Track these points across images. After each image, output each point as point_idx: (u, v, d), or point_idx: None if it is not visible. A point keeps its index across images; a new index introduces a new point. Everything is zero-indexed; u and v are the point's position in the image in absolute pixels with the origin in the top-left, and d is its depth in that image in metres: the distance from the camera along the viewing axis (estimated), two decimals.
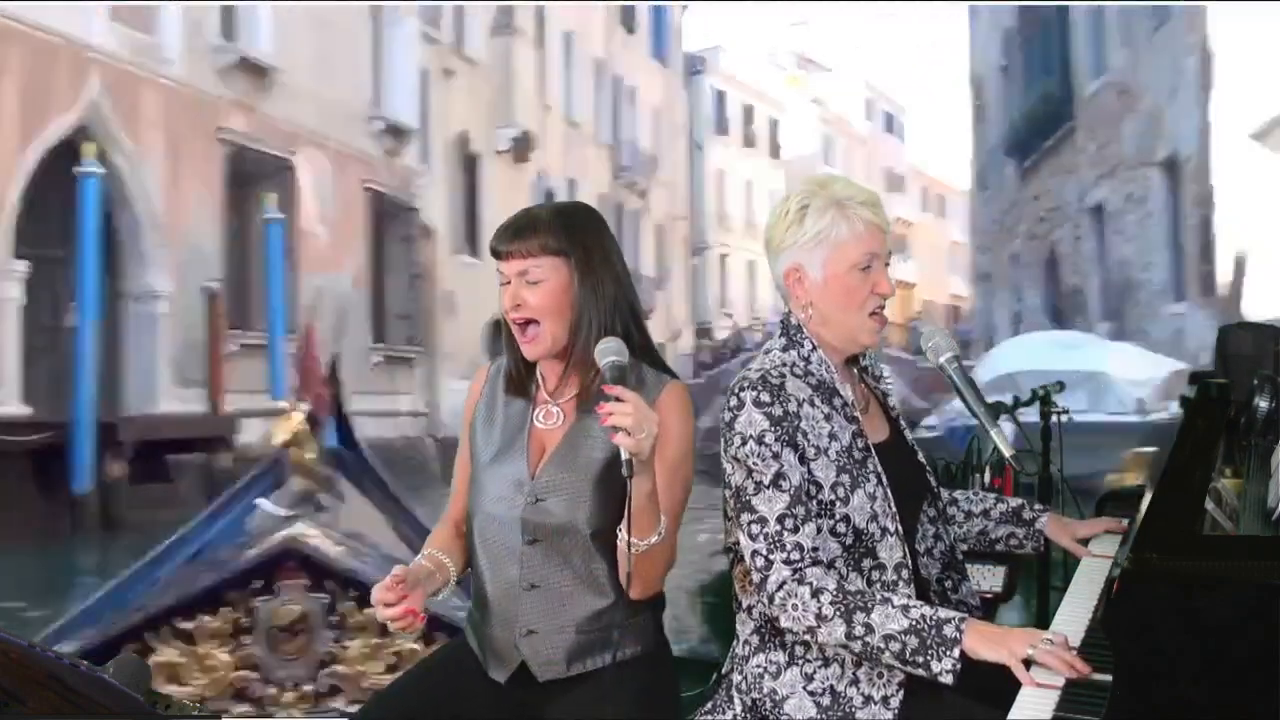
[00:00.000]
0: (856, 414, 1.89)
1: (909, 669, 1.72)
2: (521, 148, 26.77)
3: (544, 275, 1.93)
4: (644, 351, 1.99)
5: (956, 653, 1.67)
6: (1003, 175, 26.81)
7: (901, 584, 1.84)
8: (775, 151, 47.24)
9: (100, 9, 14.54)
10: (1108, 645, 1.53)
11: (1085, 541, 2.11)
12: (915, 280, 56.38)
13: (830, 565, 1.79)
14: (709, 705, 1.94)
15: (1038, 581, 2.99)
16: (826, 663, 1.82)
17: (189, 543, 4.36)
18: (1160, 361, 13.30)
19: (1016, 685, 1.58)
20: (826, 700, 1.81)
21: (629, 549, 1.81)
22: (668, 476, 1.88)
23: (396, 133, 21.60)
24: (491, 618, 1.97)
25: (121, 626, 3.56)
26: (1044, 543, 2.15)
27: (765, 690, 1.85)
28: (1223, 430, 2.26)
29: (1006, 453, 2.02)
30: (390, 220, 21.34)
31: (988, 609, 2.15)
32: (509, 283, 1.95)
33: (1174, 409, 12.48)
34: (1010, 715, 1.54)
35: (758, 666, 1.87)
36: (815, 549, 1.79)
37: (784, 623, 1.79)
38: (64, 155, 13.64)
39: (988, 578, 2.35)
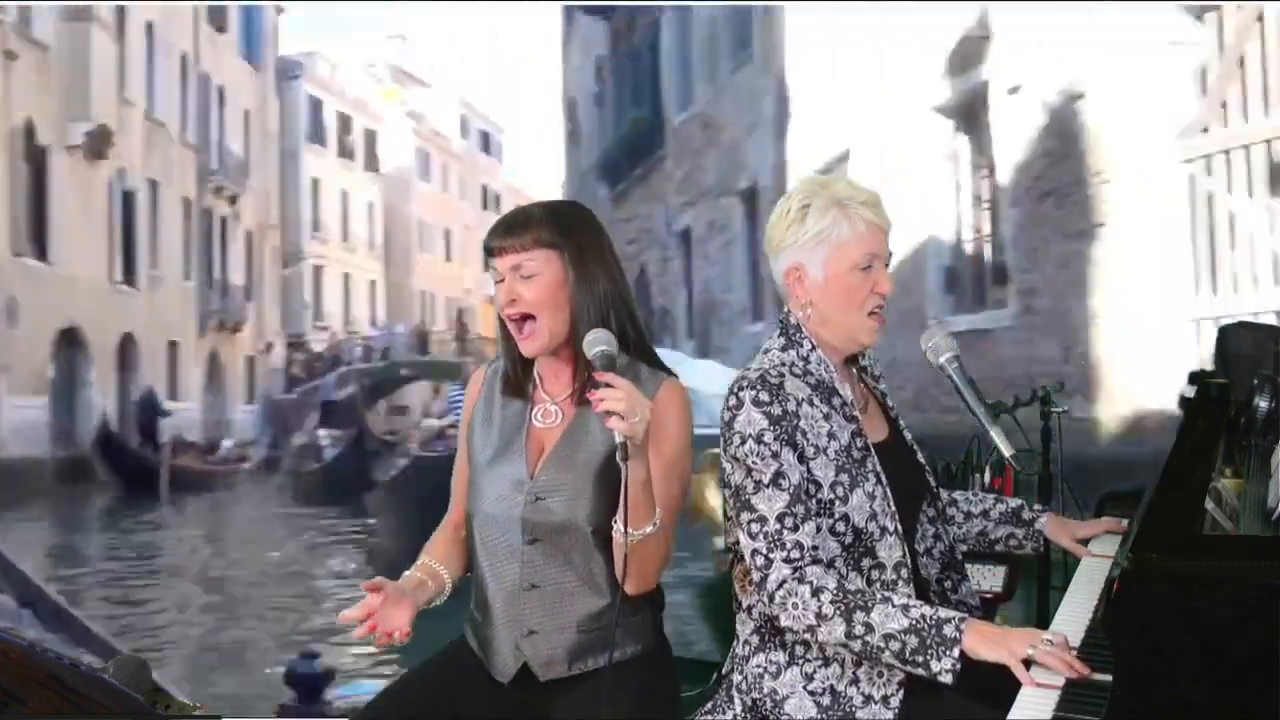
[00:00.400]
0: (855, 413, 1.88)
1: (908, 668, 1.71)
2: (97, 144, 24.73)
3: (538, 269, 1.91)
4: (639, 350, 1.96)
5: (956, 652, 1.66)
6: (596, 198, 27.88)
7: (901, 584, 1.83)
8: (372, 164, 46.55)
9: None
10: (1108, 645, 1.53)
11: (1085, 542, 2.10)
12: None
13: (830, 565, 1.78)
14: (709, 705, 1.92)
15: (1038, 581, 3.00)
16: (826, 662, 1.82)
17: None
18: None
19: (1016, 685, 1.58)
20: (826, 700, 1.81)
21: (624, 539, 1.79)
22: (665, 472, 1.86)
23: None
24: (493, 618, 1.95)
25: None
26: (1044, 543, 2.15)
27: (765, 690, 1.84)
28: (1223, 430, 2.25)
29: (1006, 452, 2.03)
30: None
31: (988, 609, 2.14)
32: (502, 280, 1.93)
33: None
34: (1010, 715, 1.53)
35: (758, 666, 1.86)
36: (815, 548, 1.78)
37: (784, 621, 1.77)
38: None
39: (988, 578, 2.34)
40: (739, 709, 1.86)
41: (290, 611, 9.14)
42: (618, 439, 1.70)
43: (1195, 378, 2.65)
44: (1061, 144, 10.62)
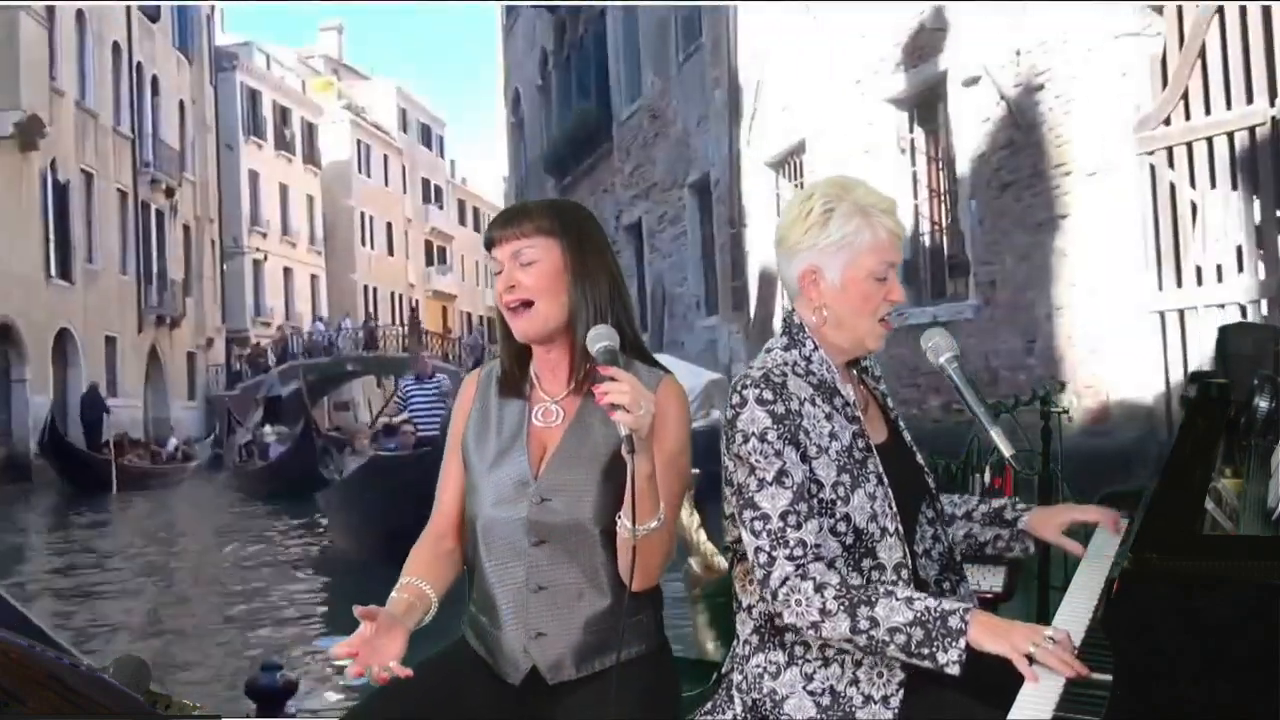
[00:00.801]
0: (858, 414, 1.89)
1: (914, 661, 1.72)
2: (28, 134, 24.10)
3: (537, 256, 1.92)
4: (635, 350, 1.96)
5: (962, 644, 1.67)
6: (543, 191, 27.63)
7: (901, 585, 1.83)
8: (312, 157, 45.95)
9: None
10: (1108, 645, 1.53)
11: (1070, 532, 2.08)
12: (455, 292, 57.01)
13: (830, 564, 1.79)
14: (709, 705, 1.93)
15: (1038, 581, 2.99)
16: (826, 663, 1.82)
17: None
18: (698, 371, 14.18)
19: (1017, 685, 1.58)
20: (826, 700, 1.81)
21: (631, 535, 1.80)
22: (666, 468, 1.87)
23: None
24: (499, 621, 1.94)
25: None
26: (1033, 544, 2.12)
27: (765, 690, 1.85)
28: (1223, 430, 2.27)
29: (1006, 452, 2.04)
30: None
31: (987, 609, 2.12)
32: (501, 270, 1.94)
33: (715, 415, 13.48)
34: (1010, 715, 1.53)
35: (757, 666, 1.87)
36: (818, 545, 1.79)
37: (787, 618, 1.78)
38: None
39: (988, 578, 2.34)
40: (739, 709, 1.86)
41: (246, 611, 8.93)
42: (623, 432, 1.71)
43: (1195, 378, 2.70)
44: (1021, 135, 10.60)
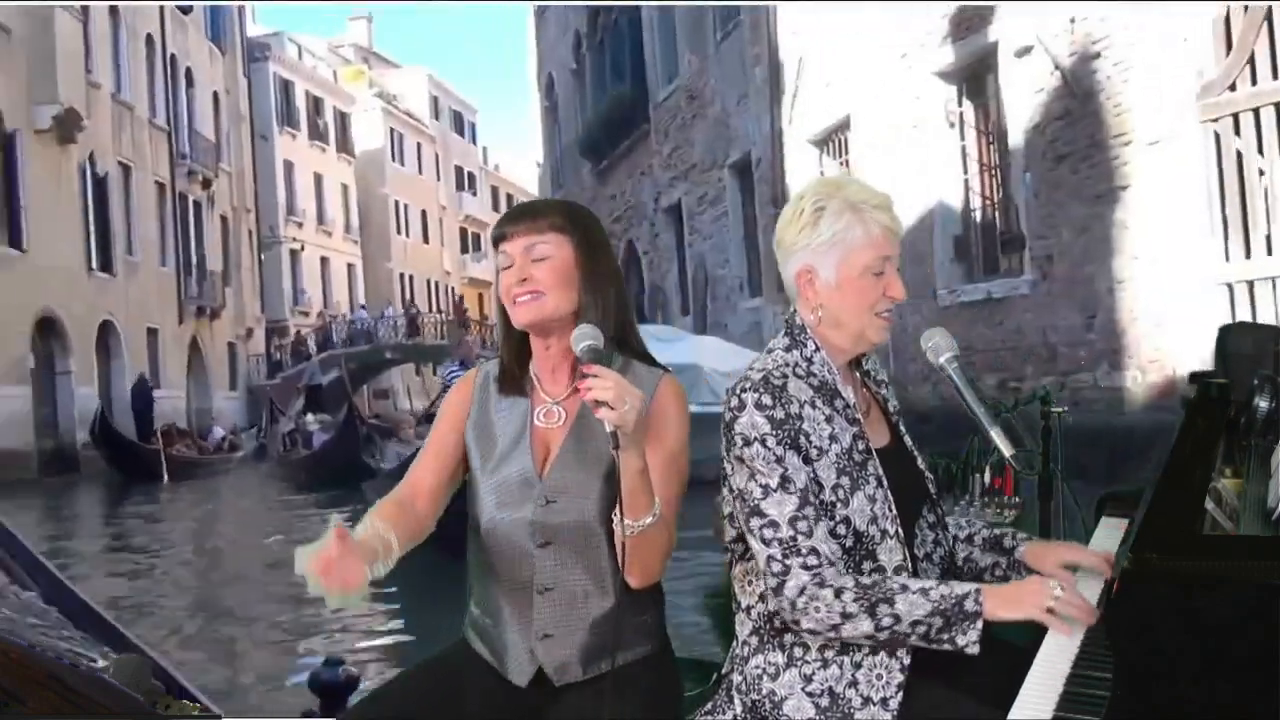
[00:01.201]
0: (858, 416, 1.89)
1: (934, 646, 1.74)
2: (66, 127, 24.18)
3: (550, 251, 1.93)
4: (634, 350, 1.98)
5: (979, 624, 1.71)
6: (579, 175, 27.50)
7: (907, 574, 1.86)
8: (345, 146, 46.00)
9: None
10: (1108, 645, 1.54)
11: (1072, 568, 2.02)
12: (490, 279, 57.00)
13: (843, 567, 1.81)
14: (709, 706, 1.92)
15: None
16: (825, 664, 1.83)
17: None
18: (742, 353, 13.97)
19: (1017, 684, 1.59)
20: (825, 701, 1.81)
21: (624, 531, 1.80)
22: (666, 466, 1.88)
23: None
24: (504, 623, 1.94)
25: None
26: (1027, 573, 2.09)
27: (764, 691, 1.85)
28: (1223, 430, 2.27)
29: (1006, 452, 2.03)
30: None
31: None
32: (510, 265, 1.94)
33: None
34: (1010, 715, 1.53)
35: (756, 667, 1.87)
36: (830, 549, 1.79)
37: (806, 625, 1.78)
38: None
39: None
40: (738, 709, 1.87)
41: (295, 602, 8.88)
42: (608, 428, 1.71)
43: (1195, 378, 2.72)
44: (1077, 105, 10.35)
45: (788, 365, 1.86)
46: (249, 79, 37.85)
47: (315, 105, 44.07)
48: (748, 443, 1.80)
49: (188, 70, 32.35)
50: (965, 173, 12.61)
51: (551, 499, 1.91)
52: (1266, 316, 8.40)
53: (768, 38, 16.15)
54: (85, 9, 25.63)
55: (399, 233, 49.31)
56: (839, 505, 1.81)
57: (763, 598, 1.87)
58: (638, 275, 23.36)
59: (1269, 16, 8.59)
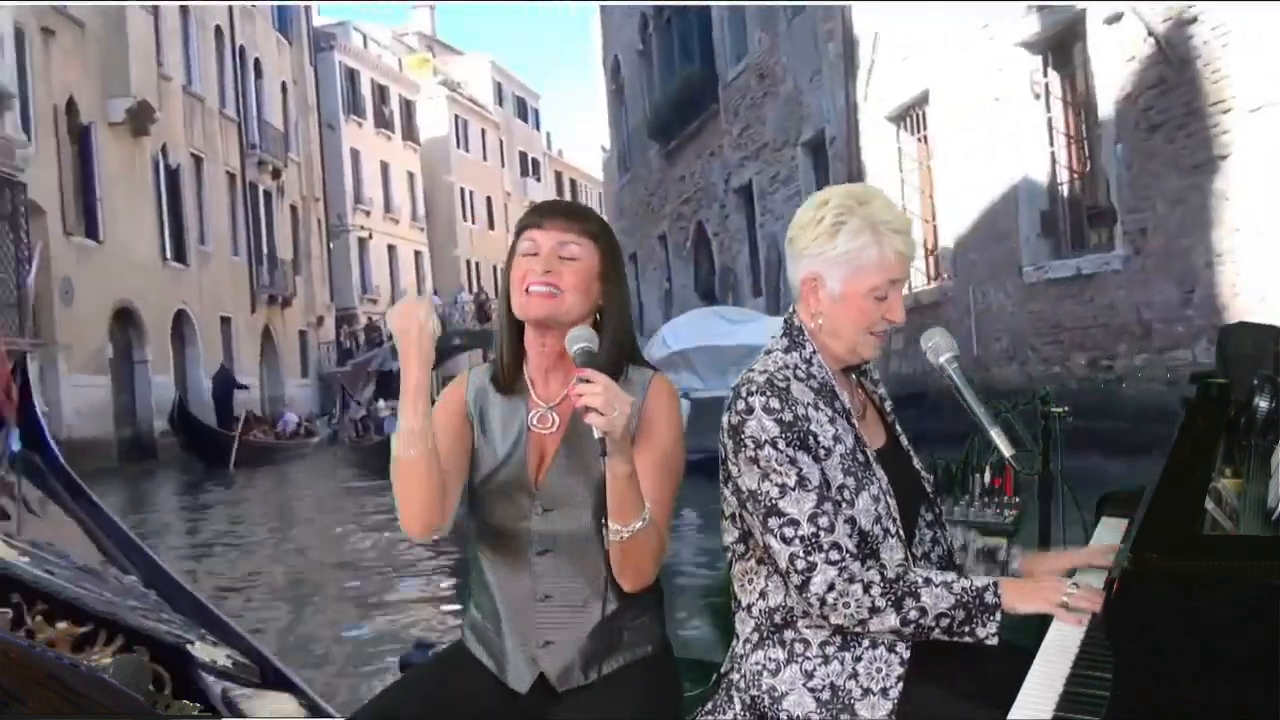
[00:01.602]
0: (855, 418, 1.91)
1: (954, 638, 1.78)
2: (139, 120, 24.46)
3: (580, 254, 1.94)
4: (629, 354, 1.99)
5: (999, 616, 1.76)
6: (646, 158, 27.31)
7: (926, 566, 1.91)
8: (411, 133, 46.20)
9: None
10: (1108, 645, 1.54)
11: (1070, 573, 2.02)
12: None
13: (864, 560, 1.82)
14: (709, 705, 1.93)
15: None
16: (826, 660, 1.84)
17: None
18: None
19: (1017, 685, 1.59)
20: (826, 695, 1.83)
21: (614, 535, 1.80)
22: (658, 466, 1.88)
23: None
24: (505, 630, 1.95)
25: None
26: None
27: (764, 687, 1.86)
28: (1223, 430, 2.28)
29: (1006, 452, 2.04)
30: None
31: None
32: (535, 254, 1.93)
33: None
34: (1010, 715, 1.53)
35: (756, 664, 1.88)
36: (851, 544, 1.81)
37: (834, 620, 1.81)
38: None
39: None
40: (738, 707, 1.88)
41: (379, 585, 8.87)
42: (596, 434, 1.71)
43: (1195, 378, 2.76)
44: (1172, 72, 9.96)
45: (788, 368, 1.88)
46: (315, 68, 38.10)
47: (381, 94, 44.29)
48: (759, 445, 1.81)
49: (256, 61, 32.62)
50: (1051, 145, 12.22)
51: (548, 507, 1.92)
52: None
53: (841, 13, 15.82)
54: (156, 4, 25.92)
55: (465, 219, 49.48)
56: (845, 505, 1.83)
57: (764, 595, 1.90)
58: (708, 256, 23.15)
59: None
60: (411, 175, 46.01)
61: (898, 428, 2.03)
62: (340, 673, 6.25)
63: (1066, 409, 2.86)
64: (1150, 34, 10.21)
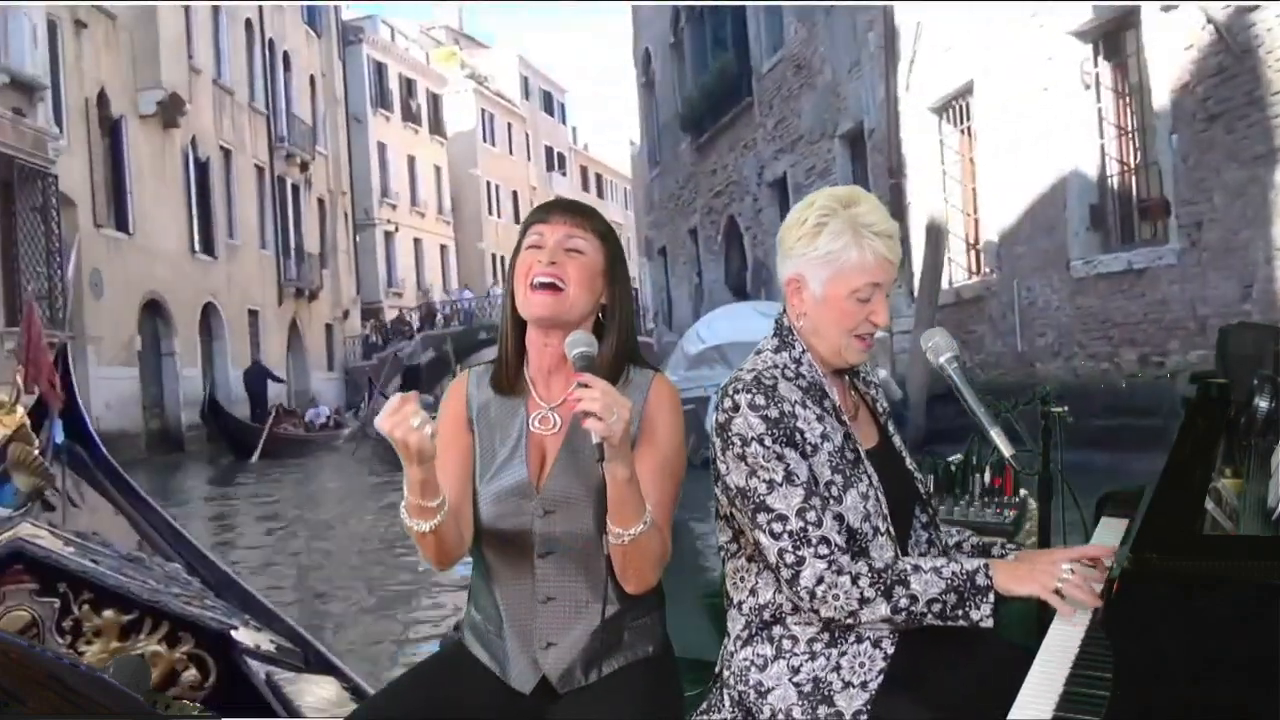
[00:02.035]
0: (846, 417, 1.92)
1: (948, 623, 1.78)
2: (170, 112, 24.45)
3: (586, 249, 1.94)
4: (631, 355, 1.99)
5: (991, 597, 1.77)
6: (676, 151, 27.08)
7: (916, 554, 1.94)
8: (437, 127, 46.11)
9: None
10: (1108, 645, 1.53)
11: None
12: None
13: (854, 553, 1.84)
14: (704, 705, 1.96)
15: None
16: (813, 656, 1.86)
17: None
18: None
19: (1016, 684, 1.57)
20: (808, 688, 1.85)
21: (615, 540, 1.80)
22: (660, 468, 1.89)
23: (23, 88, 18.98)
24: (506, 631, 1.94)
25: None
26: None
27: (751, 682, 1.88)
28: (1223, 430, 2.28)
29: (1006, 452, 2.04)
30: (21, 188, 18.72)
31: None
32: (541, 247, 1.93)
33: (882, 374, 12.86)
34: (1010, 715, 1.51)
35: (745, 660, 1.90)
36: (839, 538, 1.82)
37: (825, 614, 1.82)
38: None
39: None
40: (728, 704, 1.90)
41: (411, 579, 8.77)
42: (594, 439, 1.70)
43: (1195, 378, 2.76)
44: (1233, 61, 9.67)
45: (776, 367, 1.90)
46: (343, 62, 38.05)
47: (408, 87, 44.22)
48: (745, 442, 1.82)
49: (285, 54, 32.59)
50: (1101, 137, 11.93)
51: (550, 509, 1.90)
52: None
53: (883, 3, 15.54)
54: None
55: (491, 214, 49.38)
56: (832, 502, 1.84)
57: (754, 592, 1.91)
58: (739, 251, 22.90)
59: None
60: (438, 169, 45.93)
61: (890, 429, 2.03)
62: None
63: (1066, 409, 2.80)
64: (1209, 21, 9.92)
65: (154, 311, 24.01)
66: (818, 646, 1.86)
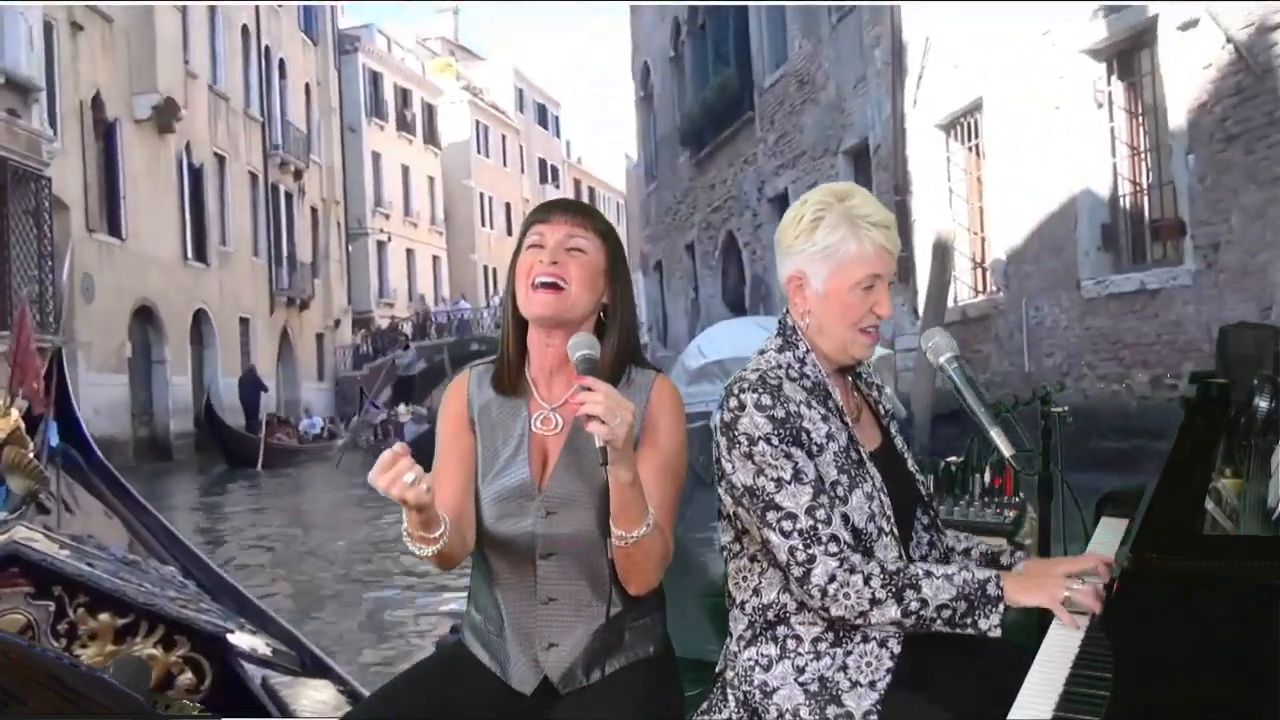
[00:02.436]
0: (849, 418, 1.93)
1: (957, 630, 1.78)
2: (164, 117, 24.21)
3: (588, 248, 1.94)
4: (633, 355, 1.98)
5: (1001, 608, 1.76)
6: (675, 165, 26.96)
7: (927, 559, 1.98)
8: (432, 138, 45.95)
9: None
10: (1108, 645, 1.53)
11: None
12: None
13: (865, 552, 1.84)
14: (705, 705, 1.95)
15: None
16: (818, 656, 1.85)
17: None
18: None
19: (1016, 685, 1.55)
20: (815, 687, 1.84)
21: (619, 543, 1.80)
22: (661, 470, 1.89)
23: (17, 89, 18.74)
24: (508, 632, 1.93)
25: None
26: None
27: (756, 682, 1.87)
28: (1223, 430, 2.28)
29: (1007, 452, 2.04)
30: (14, 190, 18.47)
31: None
32: (542, 246, 1.93)
33: (888, 391, 12.71)
34: (1010, 715, 1.50)
35: (749, 660, 1.89)
36: (848, 536, 1.82)
37: (835, 612, 1.81)
38: None
39: None
40: (732, 704, 1.89)
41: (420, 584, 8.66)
42: (598, 443, 1.70)
43: (1195, 378, 2.75)
44: (1252, 81, 9.57)
45: (780, 367, 1.89)
46: (339, 70, 37.87)
47: (403, 97, 44.06)
48: (753, 441, 1.82)
49: (281, 61, 32.41)
50: (1114, 156, 11.82)
51: (552, 510, 1.90)
52: None
53: (890, 18, 15.45)
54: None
55: (484, 225, 49.22)
56: (838, 503, 1.83)
57: (757, 592, 1.90)
58: (736, 266, 22.76)
59: None
60: (432, 179, 45.77)
61: (893, 430, 2.04)
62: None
63: (1066, 409, 2.79)
64: (1229, 40, 9.82)
65: (145, 318, 23.75)
66: (822, 646, 1.85)
